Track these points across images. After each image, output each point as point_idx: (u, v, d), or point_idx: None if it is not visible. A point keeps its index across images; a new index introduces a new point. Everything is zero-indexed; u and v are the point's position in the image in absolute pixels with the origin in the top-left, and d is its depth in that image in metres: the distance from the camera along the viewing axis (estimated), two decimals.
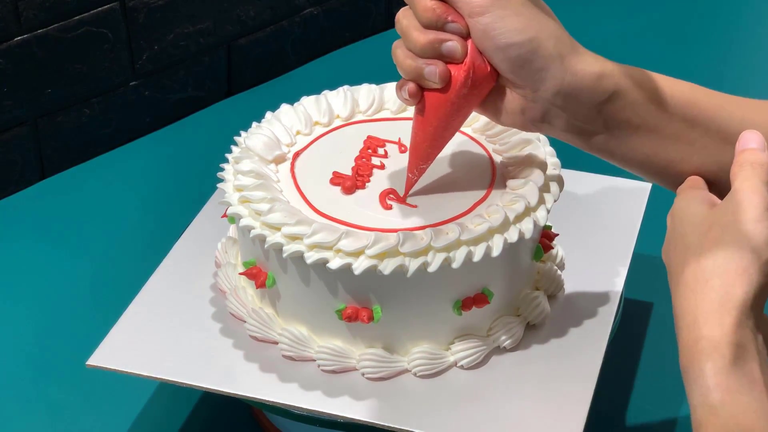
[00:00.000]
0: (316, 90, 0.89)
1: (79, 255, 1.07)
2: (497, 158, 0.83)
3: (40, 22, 1.13)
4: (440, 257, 0.74)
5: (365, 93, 0.89)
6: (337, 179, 0.81)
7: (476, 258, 0.74)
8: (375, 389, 0.78)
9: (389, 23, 1.45)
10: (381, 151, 0.84)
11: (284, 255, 0.75)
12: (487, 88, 0.71)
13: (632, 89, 0.70)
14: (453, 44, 0.70)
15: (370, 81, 0.90)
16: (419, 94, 0.72)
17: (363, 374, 0.78)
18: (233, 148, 0.85)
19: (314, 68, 1.37)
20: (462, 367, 0.79)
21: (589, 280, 0.86)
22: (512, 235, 0.75)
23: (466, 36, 0.70)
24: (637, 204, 0.93)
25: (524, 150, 0.82)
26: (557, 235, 0.86)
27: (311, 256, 0.74)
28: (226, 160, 0.84)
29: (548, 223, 0.84)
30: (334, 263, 0.74)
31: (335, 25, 1.40)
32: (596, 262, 0.88)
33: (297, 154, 0.84)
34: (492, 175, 0.81)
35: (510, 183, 0.80)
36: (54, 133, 1.19)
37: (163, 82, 1.26)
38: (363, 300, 0.76)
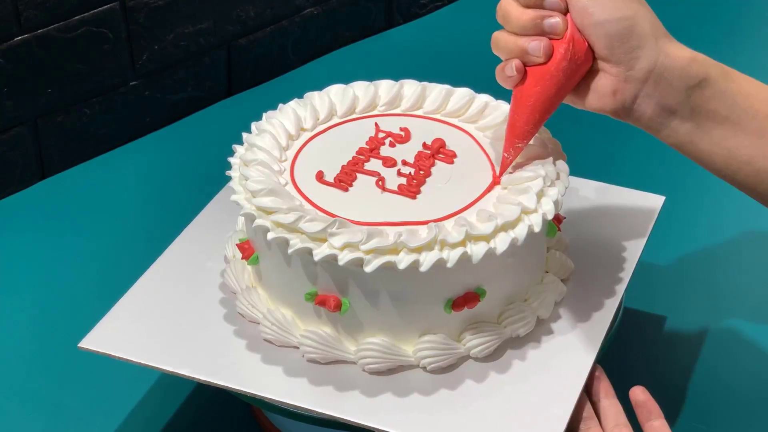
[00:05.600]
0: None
1: (79, 255, 1.07)
2: (499, 159, 0.83)
3: (40, 22, 1.13)
4: (410, 258, 0.74)
5: (386, 87, 0.90)
6: (338, 173, 0.82)
7: (423, 268, 0.74)
8: (369, 382, 0.78)
9: (389, 23, 1.45)
10: (386, 146, 0.85)
11: (268, 238, 0.76)
12: (584, 67, 0.75)
13: (721, 79, 0.74)
14: (555, 19, 0.74)
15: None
16: (523, 70, 0.76)
17: (362, 367, 0.79)
18: (255, 124, 0.86)
19: (314, 68, 1.37)
20: (476, 358, 0.79)
21: (590, 287, 0.85)
22: (502, 245, 0.75)
23: (564, 12, 0.75)
24: (647, 216, 0.92)
25: (527, 152, 0.82)
26: (564, 218, 0.86)
27: (296, 244, 0.75)
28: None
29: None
30: (322, 252, 0.74)
31: (335, 25, 1.40)
32: (599, 271, 0.87)
33: (305, 145, 0.85)
34: (492, 176, 0.82)
35: (508, 185, 0.80)
36: (54, 133, 1.19)
37: (163, 82, 1.26)
38: (332, 290, 0.77)
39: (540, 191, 0.78)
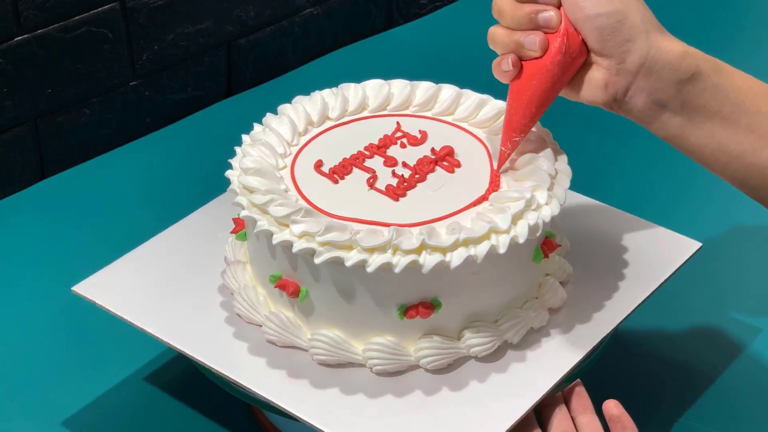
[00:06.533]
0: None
1: (79, 255, 1.07)
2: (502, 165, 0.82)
3: (40, 22, 1.13)
4: (360, 257, 0.74)
5: (423, 89, 0.89)
6: (336, 165, 0.82)
7: (369, 269, 0.74)
8: (320, 374, 0.78)
9: (389, 23, 1.45)
10: (396, 146, 0.85)
11: (240, 215, 0.79)
12: (579, 60, 0.76)
13: (712, 74, 0.74)
14: (549, 13, 0.75)
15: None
16: (519, 65, 0.77)
17: (312, 356, 0.79)
18: (280, 107, 0.88)
19: (314, 68, 1.37)
20: (426, 369, 0.79)
21: (580, 319, 0.83)
22: (457, 260, 0.74)
23: (558, 6, 0.75)
24: (671, 260, 0.88)
25: (529, 165, 0.81)
26: (560, 245, 0.84)
27: (262, 225, 0.76)
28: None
29: (551, 231, 0.83)
30: (279, 237, 0.76)
31: (335, 25, 1.40)
32: (596, 304, 0.84)
33: (321, 133, 0.86)
34: (485, 190, 0.80)
35: (494, 202, 0.79)
36: (54, 133, 1.19)
37: (163, 82, 1.26)
38: (293, 276, 0.78)
39: (518, 213, 0.76)
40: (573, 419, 0.78)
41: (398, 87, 0.89)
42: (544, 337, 0.81)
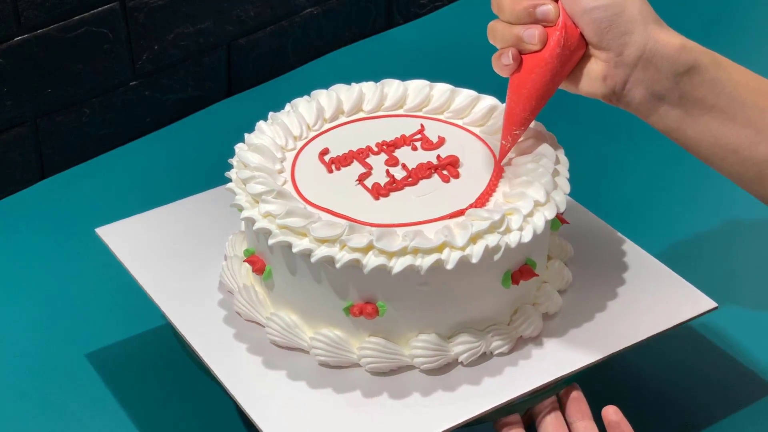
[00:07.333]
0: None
1: (79, 255, 1.07)
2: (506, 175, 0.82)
3: (40, 22, 1.13)
4: (307, 245, 0.75)
5: (463, 96, 0.89)
6: (338, 156, 0.83)
7: (313, 258, 0.74)
8: (271, 355, 0.79)
9: (389, 23, 1.45)
10: (408, 147, 0.85)
11: (232, 197, 0.80)
12: (578, 53, 0.76)
13: (711, 67, 0.75)
14: (547, 7, 0.75)
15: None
16: (519, 58, 0.77)
17: (267, 335, 0.80)
18: (315, 92, 0.89)
19: (314, 68, 1.37)
20: (366, 369, 0.78)
21: (557, 351, 0.80)
22: (399, 266, 0.74)
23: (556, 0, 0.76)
24: (681, 311, 0.83)
25: (521, 188, 0.79)
26: (537, 275, 0.80)
27: (239, 199, 0.79)
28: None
29: (532, 258, 0.79)
30: (246, 213, 0.77)
31: (335, 25, 1.40)
32: (582, 337, 0.81)
33: (346, 123, 0.87)
34: (477, 198, 0.80)
35: (470, 215, 0.77)
36: (54, 133, 1.19)
37: (163, 82, 1.26)
38: (260, 253, 0.80)
39: (479, 233, 0.74)
40: (569, 425, 0.77)
41: (439, 91, 0.89)
42: (508, 363, 0.79)
